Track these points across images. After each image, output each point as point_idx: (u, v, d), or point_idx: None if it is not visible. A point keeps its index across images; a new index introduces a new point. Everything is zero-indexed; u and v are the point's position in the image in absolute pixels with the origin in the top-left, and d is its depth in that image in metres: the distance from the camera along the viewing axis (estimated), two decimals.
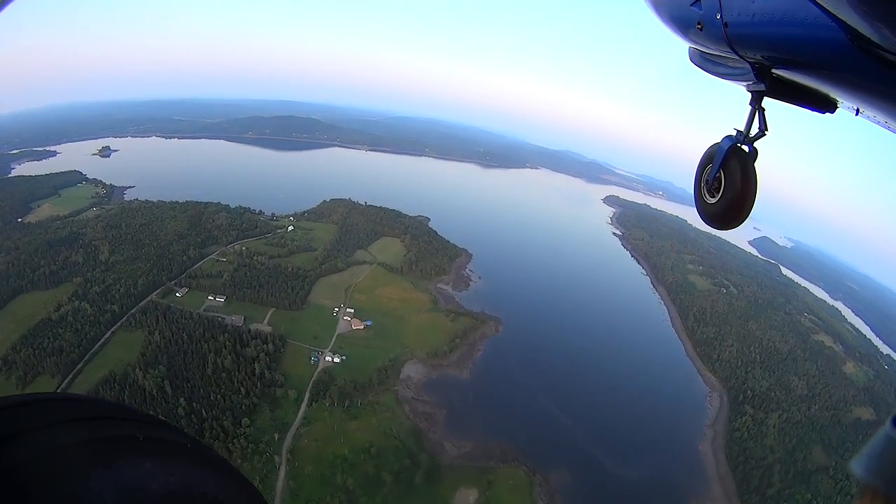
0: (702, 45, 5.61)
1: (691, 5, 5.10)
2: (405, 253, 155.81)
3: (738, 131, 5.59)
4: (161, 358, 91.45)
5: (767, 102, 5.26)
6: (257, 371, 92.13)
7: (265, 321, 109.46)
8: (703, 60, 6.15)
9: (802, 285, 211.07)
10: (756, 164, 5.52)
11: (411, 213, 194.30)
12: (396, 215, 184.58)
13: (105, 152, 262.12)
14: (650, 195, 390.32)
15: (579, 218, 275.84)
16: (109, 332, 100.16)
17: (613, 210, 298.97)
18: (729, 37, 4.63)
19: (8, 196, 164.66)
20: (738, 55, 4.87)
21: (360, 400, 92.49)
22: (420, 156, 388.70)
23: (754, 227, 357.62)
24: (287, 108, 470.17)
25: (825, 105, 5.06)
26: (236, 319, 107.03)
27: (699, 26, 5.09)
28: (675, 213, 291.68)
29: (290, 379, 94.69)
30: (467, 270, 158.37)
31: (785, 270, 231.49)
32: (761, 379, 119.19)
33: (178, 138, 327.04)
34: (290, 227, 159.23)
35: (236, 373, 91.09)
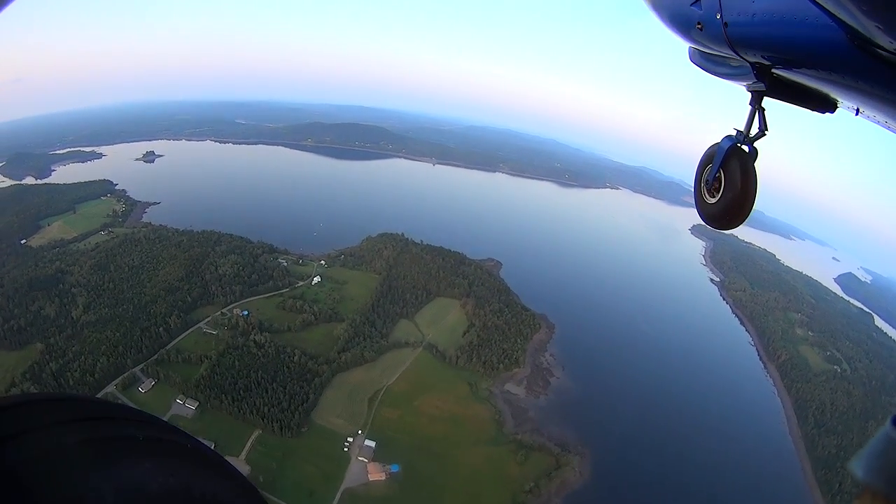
0: (702, 45, 5.57)
1: (691, 5, 5.04)
2: (466, 328, 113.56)
3: (738, 131, 5.53)
4: None
5: (767, 102, 5.22)
6: None
7: (243, 454, 72.75)
8: (703, 60, 6.08)
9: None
10: (756, 164, 5.46)
11: (478, 257, 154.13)
12: (459, 261, 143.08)
13: (149, 157, 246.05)
14: None
15: (672, 258, 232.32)
16: None
17: (703, 244, 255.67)
18: (729, 37, 4.58)
19: (24, 209, 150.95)
20: (738, 55, 4.81)
21: None
22: (493, 171, 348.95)
23: (833, 258, 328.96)
24: (355, 115, 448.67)
25: (825, 105, 5.04)
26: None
27: (699, 26, 5.03)
28: (762, 246, 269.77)
29: None
30: (547, 356, 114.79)
31: (878, 321, 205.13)
32: None
33: (233, 143, 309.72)
34: (317, 279, 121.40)
35: None
